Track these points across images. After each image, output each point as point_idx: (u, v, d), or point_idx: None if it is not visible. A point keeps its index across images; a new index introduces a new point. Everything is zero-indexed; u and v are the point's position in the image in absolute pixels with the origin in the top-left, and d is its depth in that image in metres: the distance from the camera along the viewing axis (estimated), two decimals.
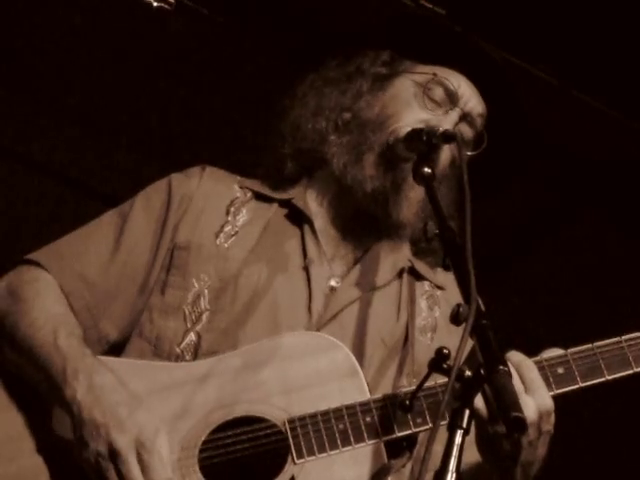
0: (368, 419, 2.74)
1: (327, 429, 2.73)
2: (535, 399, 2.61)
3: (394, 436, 2.75)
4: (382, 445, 2.75)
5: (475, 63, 3.15)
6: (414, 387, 2.74)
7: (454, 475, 2.25)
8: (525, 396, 2.60)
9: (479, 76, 3.13)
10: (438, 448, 2.69)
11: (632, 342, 2.85)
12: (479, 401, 2.41)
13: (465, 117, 3.10)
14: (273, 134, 3.18)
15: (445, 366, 2.43)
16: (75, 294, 2.98)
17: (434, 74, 3.11)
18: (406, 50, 3.19)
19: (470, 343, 2.36)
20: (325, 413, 2.75)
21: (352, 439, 2.73)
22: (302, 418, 2.74)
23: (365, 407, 2.76)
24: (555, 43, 4.30)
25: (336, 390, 2.78)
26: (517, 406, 2.25)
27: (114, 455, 2.65)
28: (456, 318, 2.39)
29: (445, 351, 2.44)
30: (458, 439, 2.29)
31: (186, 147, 4.69)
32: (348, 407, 2.75)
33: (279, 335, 2.85)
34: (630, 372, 2.84)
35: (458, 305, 2.40)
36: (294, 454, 2.71)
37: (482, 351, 2.35)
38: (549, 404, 2.65)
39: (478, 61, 3.17)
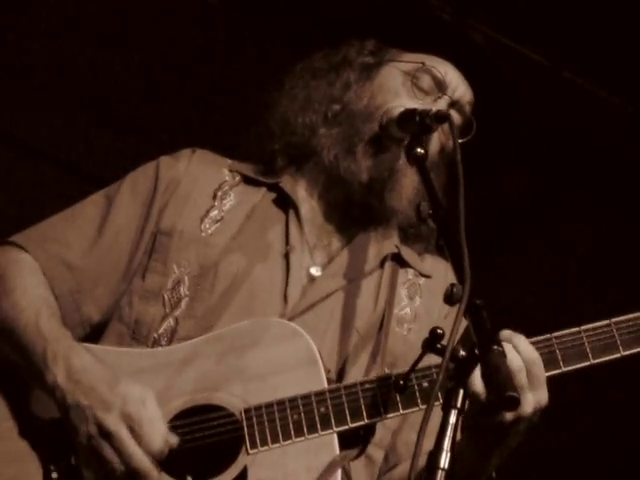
0: (322, 409, 2.72)
1: (282, 419, 2.72)
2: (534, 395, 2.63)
3: (347, 427, 2.73)
4: (335, 436, 2.73)
5: (461, 49, 3.14)
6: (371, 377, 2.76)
7: (448, 454, 2.25)
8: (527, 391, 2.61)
9: (466, 62, 3.11)
10: (412, 437, 2.69)
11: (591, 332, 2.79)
12: (478, 381, 2.43)
13: (454, 105, 3.09)
14: (261, 128, 3.15)
15: (439, 346, 2.43)
16: (58, 279, 2.96)
17: (422, 63, 3.09)
18: (391, 38, 3.17)
19: (464, 323, 2.36)
20: (281, 403, 2.73)
21: (305, 430, 2.71)
22: (258, 408, 2.73)
23: (320, 397, 2.74)
24: (546, 24, 4.30)
25: (294, 379, 2.76)
26: (511, 385, 2.27)
27: (105, 435, 2.64)
28: (450, 298, 2.37)
29: (439, 331, 2.43)
30: (452, 419, 2.29)
31: (179, 131, 4.68)
32: (303, 397, 2.74)
33: (243, 322, 2.83)
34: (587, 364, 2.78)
35: (452, 285, 2.38)
36: (248, 444, 2.70)
37: (476, 331, 2.35)
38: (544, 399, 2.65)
39: (464, 47, 3.16)
